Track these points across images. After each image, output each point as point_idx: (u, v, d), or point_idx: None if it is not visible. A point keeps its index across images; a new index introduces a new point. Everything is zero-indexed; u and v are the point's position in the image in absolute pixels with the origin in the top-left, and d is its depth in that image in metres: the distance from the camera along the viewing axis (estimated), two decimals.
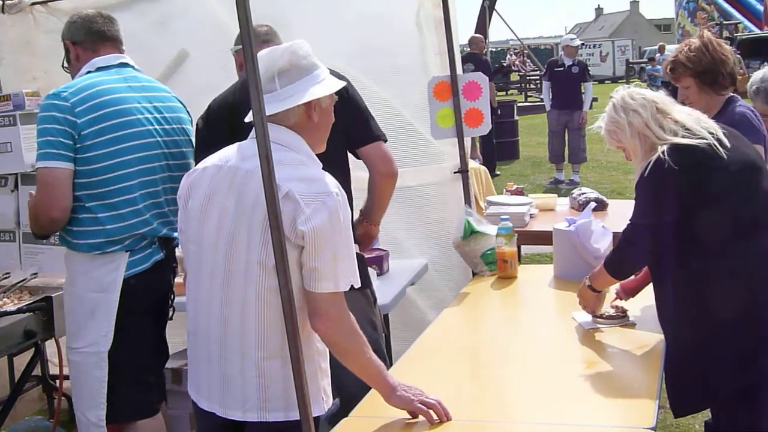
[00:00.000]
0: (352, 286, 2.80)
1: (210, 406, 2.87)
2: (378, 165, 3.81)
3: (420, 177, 5.08)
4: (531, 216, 5.78)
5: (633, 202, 3.35)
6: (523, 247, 5.89)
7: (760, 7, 35.04)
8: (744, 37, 30.56)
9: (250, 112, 2.70)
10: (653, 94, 3.38)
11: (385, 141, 3.83)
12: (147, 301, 3.80)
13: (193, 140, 3.90)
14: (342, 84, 2.92)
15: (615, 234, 3.82)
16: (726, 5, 37.43)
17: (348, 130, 3.67)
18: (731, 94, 4.03)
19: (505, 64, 37.64)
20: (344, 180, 3.70)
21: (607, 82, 40.02)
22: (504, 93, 34.33)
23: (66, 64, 3.95)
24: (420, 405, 2.84)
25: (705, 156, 3.15)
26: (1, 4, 5.32)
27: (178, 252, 3.86)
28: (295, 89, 2.75)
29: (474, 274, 4.67)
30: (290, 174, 2.64)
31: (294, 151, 2.76)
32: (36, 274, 4.46)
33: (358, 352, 2.78)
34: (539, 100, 32.31)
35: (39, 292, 4.19)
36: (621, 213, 3.76)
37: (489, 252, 4.55)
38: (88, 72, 3.78)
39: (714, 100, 3.96)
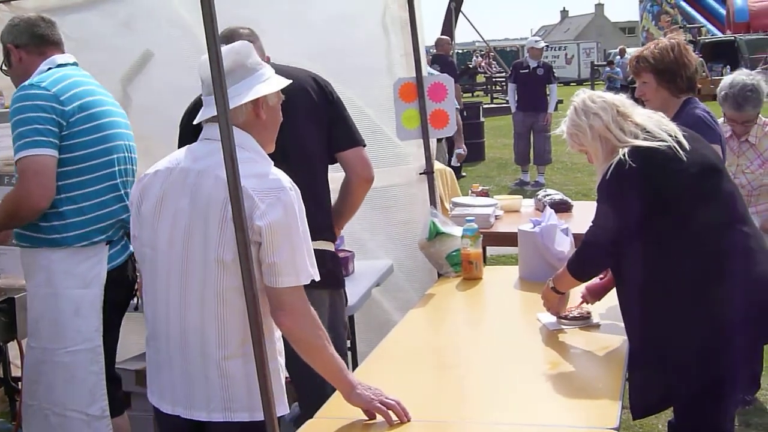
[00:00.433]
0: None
1: (174, 409, 2.86)
2: (357, 169, 3.83)
3: (385, 178, 5.06)
4: (496, 217, 5.79)
5: None
6: (488, 248, 5.90)
7: (723, 11, 35.42)
8: (707, 40, 30.89)
9: (200, 113, 2.76)
10: (614, 97, 3.42)
11: (365, 146, 3.85)
12: (123, 294, 3.81)
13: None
14: (287, 82, 2.95)
15: (578, 236, 3.84)
16: (689, 9, 37.81)
17: (330, 132, 3.73)
18: (689, 96, 4.11)
19: (471, 66, 37.75)
20: (325, 180, 3.72)
21: (572, 84, 40.16)
22: (470, 95, 34.41)
23: (5, 67, 3.94)
24: (379, 405, 2.85)
25: (665, 158, 3.18)
26: None
27: None
28: (241, 88, 2.77)
29: (439, 275, 4.68)
30: (243, 171, 2.63)
31: (245, 149, 2.76)
32: None
33: (320, 347, 2.79)
34: (505, 101, 32.37)
35: (1, 293, 4.15)
36: (586, 214, 3.78)
37: (454, 253, 4.56)
38: (49, 68, 3.77)
39: (670, 101, 4.05)
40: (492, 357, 3.50)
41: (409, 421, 2.85)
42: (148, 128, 4.52)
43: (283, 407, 2.83)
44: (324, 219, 3.69)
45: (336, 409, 2.97)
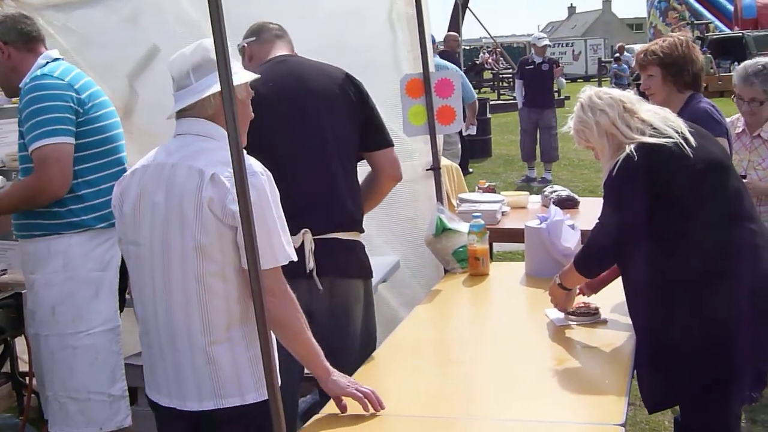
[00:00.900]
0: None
1: (170, 401, 2.91)
2: (389, 170, 3.87)
3: None
4: (503, 213, 5.79)
5: None
6: (495, 244, 5.90)
7: (731, 7, 35.31)
8: (715, 36, 30.82)
9: (174, 108, 2.88)
10: (620, 93, 3.42)
11: (393, 146, 3.88)
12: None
13: None
14: (255, 76, 2.99)
15: (585, 232, 3.84)
16: (697, 5, 37.68)
17: (363, 131, 3.74)
18: (694, 92, 4.13)
19: (477, 63, 37.73)
20: (356, 174, 3.73)
21: (579, 80, 40.17)
22: (477, 91, 34.38)
23: None
24: (355, 391, 2.90)
25: (671, 155, 3.18)
26: None
27: None
28: (208, 81, 2.82)
29: (446, 271, 4.68)
30: (213, 159, 2.73)
31: (214, 139, 2.83)
32: (5, 270, 4.44)
33: (299, 329, 2.81)
34: (512, 98, 32.34)
35: (8, 288, 4.17)
36: (592, 211, 3.78)
37: (461, 249, 4.56)
38: (47, 62, 3.80)
39: (675, 95, 4.07)
40: (498, 353, 3.50)
41: (383, 409, 2.89)
42: (154, 123, 4.52)
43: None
44: (356, 211, 3.71)
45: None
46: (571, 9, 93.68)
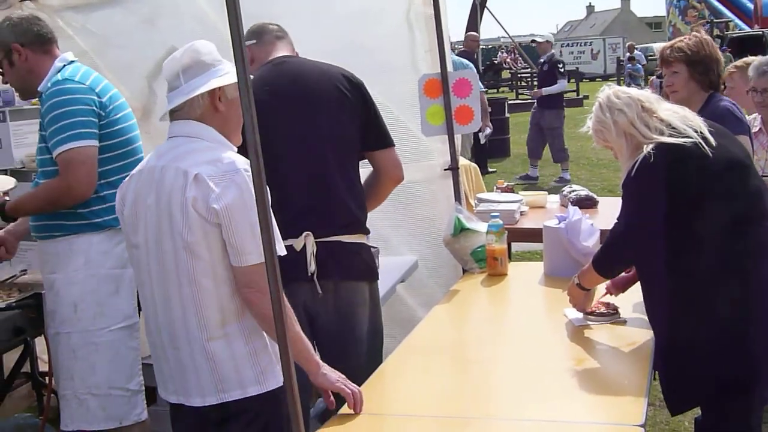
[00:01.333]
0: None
1: (177, 398, 2.99)
2: (389, 171, 3.84)
3: (409, 174, 5.01)
4: (521, 213, 5.78)
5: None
6: (513, 244, 5.88)
7: (751, 5, 35.11)
8: (734, 35, 30.65)
9: (164, 111, 2.96)
10: (639, 92, 3.40)
11: (394, 146, 3.85)
12: None
13: None
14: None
15: (604, 231, 3.83)
16: (717, 3, 37.46)
17: (363, 131, 3.71)
18: (713, 92, 4.12)
19: (496, 62, 37.69)
20: (359, 175, 3.72)
21: (597, 79, 40.04)
22: (495, 91, 34.35)
23: (3, 67, 3.94)
24: (343, 386, 2.94)
25: (691, 154, 3.16)
26: None
27: None
28: (197, 83, 2.90)
29: (464, 271, 4.67)
30: (198, 159, 2.82)
31: (204, 139, 2.91)
32: (25, 270, 4.46)
33: (287, 325, 2.81)
34: (530, 97, 32.38)
35: (28, 288, 4.19)
36: (611, 211, 3.77)
37: (479, 249, 4.55)
38: (65, 66, 3.82)
39: (697, 94, 4.05)
40: (517, 353, 3.49)
41: (360, 412, 2.92)
42: None
43: (275, 380, 2.91)
44: (360, 213, 3.70)
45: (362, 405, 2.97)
46: (590, 8, 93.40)
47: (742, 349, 3.13)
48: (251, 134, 2.49)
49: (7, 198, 3.94)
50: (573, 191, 6.09)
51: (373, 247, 4.71)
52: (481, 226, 4.59)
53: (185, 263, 2.82)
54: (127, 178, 3.08)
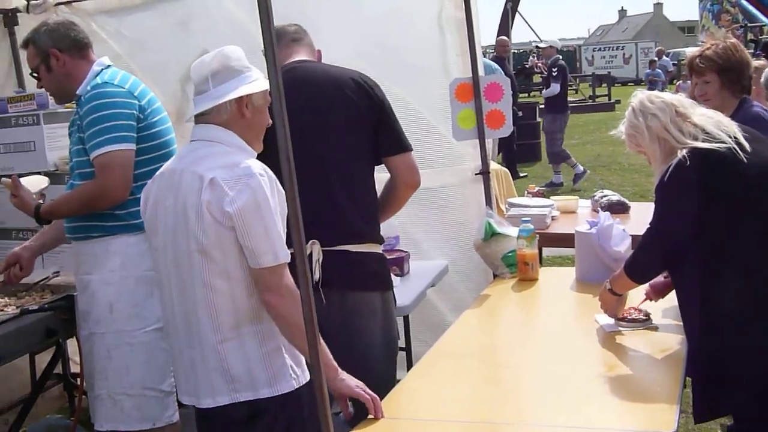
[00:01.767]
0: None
1: (188, 399, 3.04)
2: (405, 176, 3.78)
3: (440, 178, 5.06)
4: (552, 218, 5.75)
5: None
6: (544, 249, 5.86)
7: None
8: None
9: (192, 111, 2.98)
10: (673, 97, 3.38)
11: (411, 150, 3.80)
12: None
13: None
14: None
15: (635, 237, 3.80)
16: (750, 7, 37.11)
17: (378, 135, 3.68)
18: (744, 96, 4.08)
19: (527, 66, 37.53)
20: (370, 183, 3.70)
21: (630, 84, 39.81)
22: (526, 95, 34.21)
23: (41, 72, 3.95)
24: (362, 392, 2.94)
25: (724, 160, 3.13)
26: (26, 4, 5.36)
27: None
28: (225, 88, 2.93)
29: (494, 276, 4.66)
30: (214, 164, 2.86)
31: (222, 143, 2.95)
32: (57, 272, 4.49)
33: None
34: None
35: (60, 290, 4.21)
36: (643, 216, 3.74)
37: (510, 254, 4.54)
38: (102, 70, 3.85)
39: (729, 101, 4.01)
40: (547, 358, 3.47)
41: (383, 417, 2.92)
42: None
43: (287, 384, 2.94)
44: (366, 222, 3.66)
45: (391, 410, 2.97)
46: (622, 12, 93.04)
47: None
48: (283, 137, 2.50)
49: (41, 201, 3.96)
50: (604, 196, 6.05)
51: (402, 251, 4.73)
52: (512, 231, 4.58)
53: (199, 265, 2.86)
54: (150, 181, 3.14)
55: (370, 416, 2.93)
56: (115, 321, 3.80)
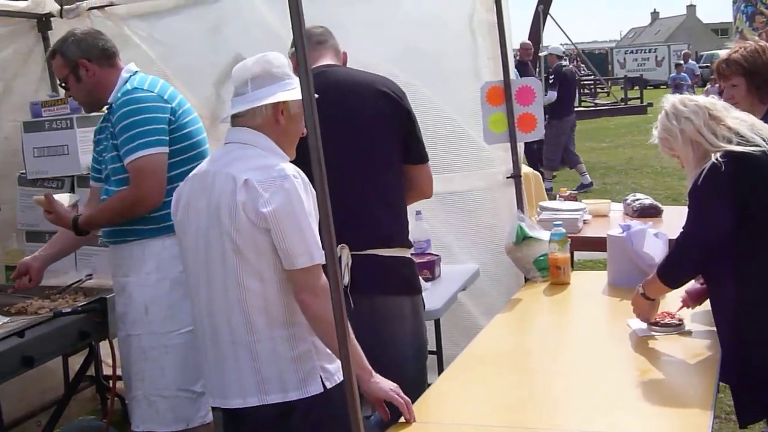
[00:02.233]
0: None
1: (213, 401, 3.06)
2: (423, 186, 3.82)
3: (470, 182, 5.05)
4: (584, 222, 5.73)
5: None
6: (576, 253, 5.83)
7: None
8: None
9: (228, 112, 3.01)
10: (706, 100, 3.35)
11: (428, 162, 3.83)
12: None
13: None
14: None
15: (670, 240, 3.77)
16: None
17: (402, 145, 3.68)
18: None
19: None
20: (400, 188, 3.70)
21: (662, 86, 39.59)
22: None
23: (70, 83, 3.97)
24: (395, 395, 2.93)
25: (759, 163, 3.11)
26: (59, 9, 5.40)
27: None
28: (263, 93, 2.97)
29: (526, 280, 4.65)
30: (248, 165, 2.89)
31: (257, 147, 2.97)
32: (90, 275, 4.53)
33: None
34: (593, 105, 32.10)
35: (93, 293, 4.24)
36: (676, 220, 3.72)
37: (541, 258, 4.52)
38: (131, 75, 3.88)
39: (756, 106, 3.94)
40: (579, 363, 3.45)
41: (414, 421, 2.91)
42: None
43: (316, 386, 2.94)
44: (397, 227, 3.67)
45: (421, 414, 2.97)
46: (654, 14, 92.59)
47: None
48: (314, 140, 2.50)
49: (78, 213, 3.97)
50: (637, 199, 6.02)
51: (433, 254, 4.72)
52: (544, 235, 4.56)
53: (233, 266, 2.87)
54: (182, 183, 3.17)
55: (402, 420, 2.93)
56: (151, 323, 3.83)
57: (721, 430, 4.83)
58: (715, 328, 3.40)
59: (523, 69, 13.67)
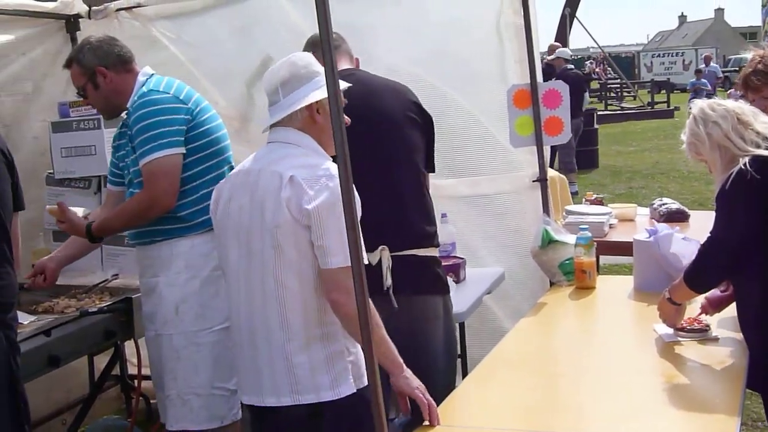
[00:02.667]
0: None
1: (249, 399, 3.06)
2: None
3: (496, 185, 5.04)
4: (610, 226, 5.71)
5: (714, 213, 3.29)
6: (601, 257, 5.81)
7: None
8: None
9: (267, 123, 3.02)
10: (735, 104, 3.33)
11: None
12: None
13: None
14: (347, 85, 3.05)
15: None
16: None
17: (426, 152, 3.75)
18: None
19: (585, 72, 37.31)
20: (428, 189, 3.71)
21: (688, 90, 39.38)
22: None
23: (87, 90, 3.99)
24: (422, 395, 2.95)
25: None
26: (88, 10, 5.43)
27: None
28: (296, 96, 2.98)
29: (551, 283, 4.63)
30: (293, 163, 2.91)
31: (300, 146, 2.99)
32: (117, 275, 4.55)
33: (373, 326, 2.81)
34: (619, 108, 31.91)
35: (119, 293, 4.27)
36: (703, 224, 3.69)
37: (567, 262, 4.51)
38: (147, 79, 3.90)
39: None
40: (605, 368, 3.44)
41: (439, 424, 2.90)
42: None
43: (347, 387, 2.94)
44: (430, 226, 3.71)
45: (445, 417, 2.96)
46: (682, 18, 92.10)
47: None
48: (339, 139, 2.51)
49: (91, 220, 3.97)
50: (663, 204, 6.00)
51: (459, 257, 4.71)
52: (570, 239, 4.55)
53: (273, 262, 2.88)
54: (223, 180, 3.19)
55: (426, 423, 2.92)
56: (182, 322, 3.85)
57: None
58: (741, 335, 3.38)
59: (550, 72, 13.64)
